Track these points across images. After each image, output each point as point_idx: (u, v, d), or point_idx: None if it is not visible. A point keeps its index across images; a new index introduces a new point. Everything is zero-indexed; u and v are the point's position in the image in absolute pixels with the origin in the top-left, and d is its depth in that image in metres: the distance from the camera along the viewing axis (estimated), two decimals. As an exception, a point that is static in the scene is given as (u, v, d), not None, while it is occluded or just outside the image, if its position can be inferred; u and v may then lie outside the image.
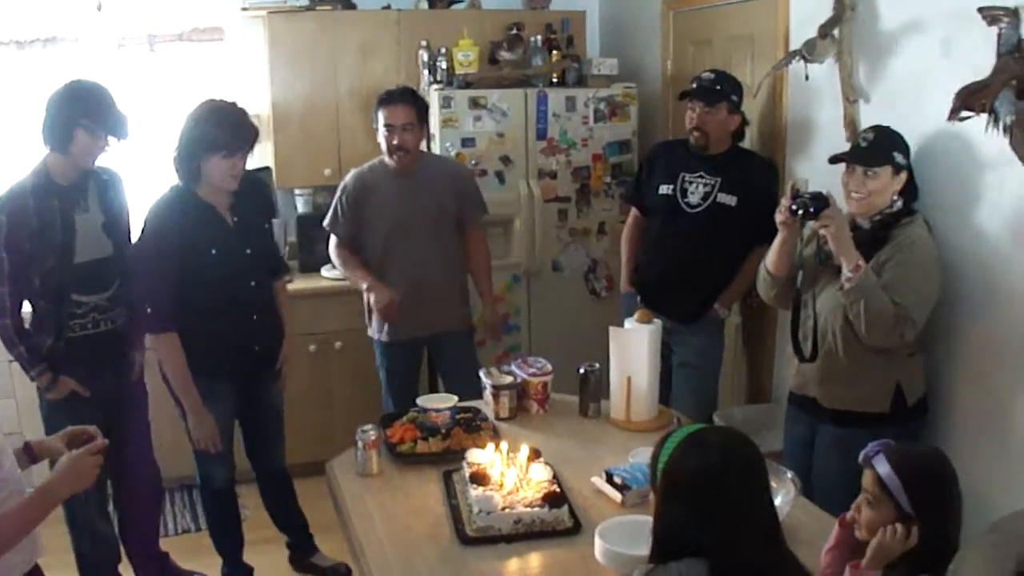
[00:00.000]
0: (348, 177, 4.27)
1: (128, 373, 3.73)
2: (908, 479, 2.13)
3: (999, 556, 1.31)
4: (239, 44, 5.26)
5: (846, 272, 3.02)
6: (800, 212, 3.10)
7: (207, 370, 3.61)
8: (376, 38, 5.15)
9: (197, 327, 3.57)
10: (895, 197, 3.14)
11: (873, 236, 3.13)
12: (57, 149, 3.40)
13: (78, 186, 3.50)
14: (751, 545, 1.88)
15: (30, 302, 3.53)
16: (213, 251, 3.55)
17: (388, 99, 4.07)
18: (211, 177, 3.51)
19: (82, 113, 3.35)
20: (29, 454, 2.46)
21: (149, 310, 3.55)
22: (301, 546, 4.16)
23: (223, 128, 3.46)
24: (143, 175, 4.60)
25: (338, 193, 4.24)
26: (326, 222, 4.28)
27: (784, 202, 3.18)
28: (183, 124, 3.53)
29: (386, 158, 4.13)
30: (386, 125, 4.04)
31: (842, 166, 3.19)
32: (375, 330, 4.32)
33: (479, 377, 3.63)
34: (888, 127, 3.21)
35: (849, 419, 3.17)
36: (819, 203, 3.05)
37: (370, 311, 4.25)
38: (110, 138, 3.44)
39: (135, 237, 3.65)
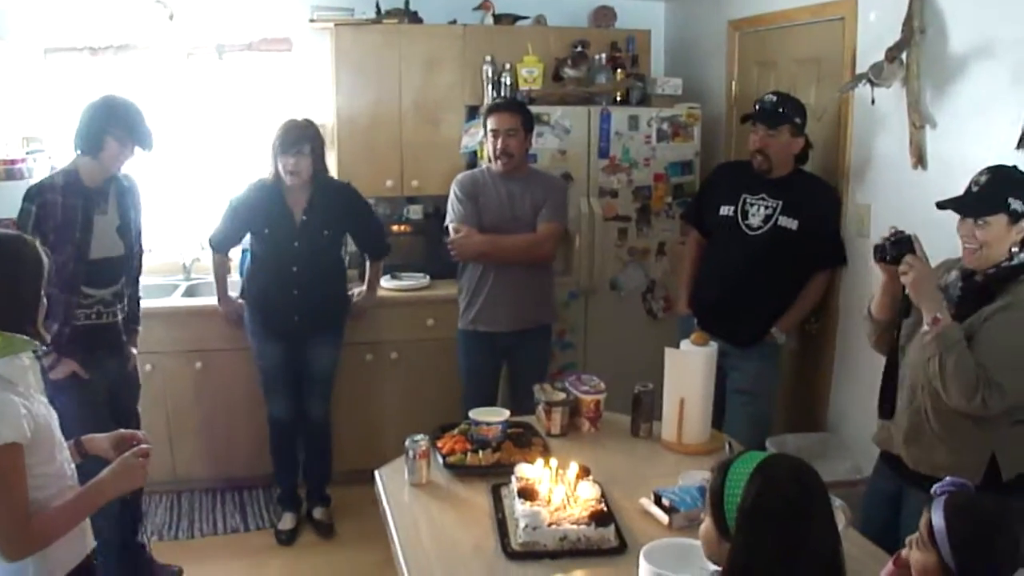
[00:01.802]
0: (458, 177, 4.48)
1: (125, 363, 4.02)
2: (956, 536, 1.98)
3: None
4: (306, 55, 5.34)
5: (925, 324, 2.76)
6: (880, 255, 2.90)
7: (257, 327, 4.52)
8: (441, 52, 5.19)
9: (255, 291, 4.50)
10: (1016, 248, 2.75)
11: (983, 289, 2.77)
12: (88, 153, 3.76)
13: (101, 189, 3.82)
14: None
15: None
16: (266, 231, 4.42)
17: (495, 107, 4.37)
18: (283, 173, 4.30)
19: (114, 124, 3.72)
20: (80, 449, 2.56)
21: (211, 235, 4.61)
22: (312, 495, 4.80)
23: (281, 135, 4.28)
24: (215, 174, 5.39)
25: (453, 192, 4.40)
26: (451, 219, 4.38)
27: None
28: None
29: (492, 163, 4.34)
30: (492, 130, 4.29)
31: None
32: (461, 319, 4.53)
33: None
34: (1010, 168, 2.79)
35: None
36: (899, 248, 2.82)
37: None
38: (136, 148, 3.80)
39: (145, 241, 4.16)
